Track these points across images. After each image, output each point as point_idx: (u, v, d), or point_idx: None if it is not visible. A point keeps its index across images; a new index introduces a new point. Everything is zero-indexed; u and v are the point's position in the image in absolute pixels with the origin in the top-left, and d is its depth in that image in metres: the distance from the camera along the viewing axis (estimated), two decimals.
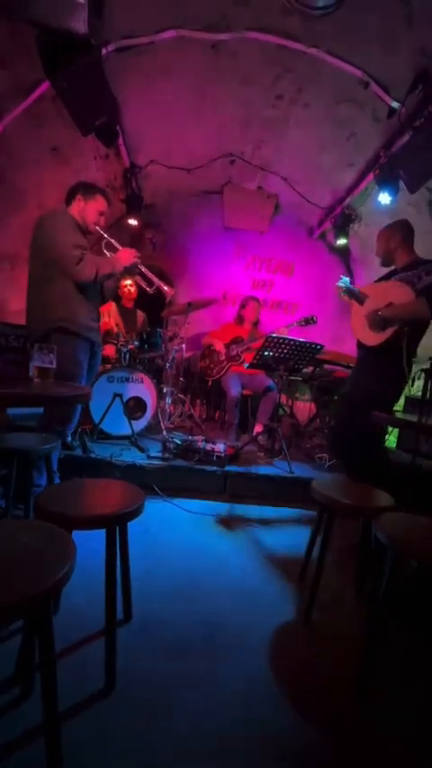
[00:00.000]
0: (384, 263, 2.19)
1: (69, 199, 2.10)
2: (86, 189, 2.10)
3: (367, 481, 1.70)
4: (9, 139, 2.47)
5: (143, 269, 2.25)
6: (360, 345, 2.18)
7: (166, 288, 2.34)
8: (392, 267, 2.17)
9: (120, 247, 2.17)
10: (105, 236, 2.17)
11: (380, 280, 2.22)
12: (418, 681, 1.26)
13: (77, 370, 2.03)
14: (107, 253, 2.19)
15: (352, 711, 1.11)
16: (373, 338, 2.04)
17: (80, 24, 1.71)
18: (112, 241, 2.20)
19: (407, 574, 1.69)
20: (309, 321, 3.19)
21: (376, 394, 2.00)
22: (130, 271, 2.16)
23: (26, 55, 2.01)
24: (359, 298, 2.16)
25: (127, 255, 2.09)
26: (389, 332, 1.97)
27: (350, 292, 2.19)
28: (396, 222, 2.14)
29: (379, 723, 1.08)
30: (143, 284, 2.39)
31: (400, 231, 2.09)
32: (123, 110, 2.77)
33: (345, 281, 2.21)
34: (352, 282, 2.22)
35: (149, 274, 2.32)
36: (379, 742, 1.03)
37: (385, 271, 2.24)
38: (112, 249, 2.20)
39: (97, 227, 2.12)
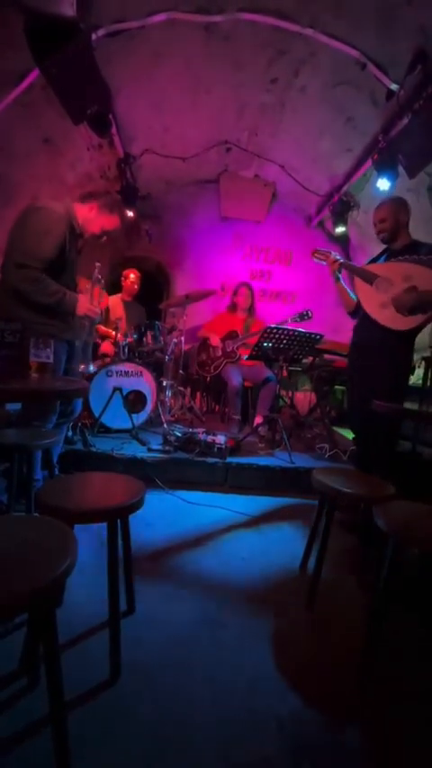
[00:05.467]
0: (388, 239, 2.07)
1: (86, 198, 1.99)
2: (109, 205, 2.02)
3: (377, 472, 1.67)
4: (0, 131, 2.42)
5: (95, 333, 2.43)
6: (370, 327, 2.01)
7: (90, 366, 2.34)
8: (385, 247, 2.12)
9: (100, 287, 2.10)
10: (97, 268, 2.06)
11: (375, 260, 2.14)
12: (420, 667, 1.28)
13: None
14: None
15: (355, 700, 1.12)
16: (403, 322, 1.90)
17: (67, 8, 1.66)
18: (98, 276, 2.08)
19: (408, 560, 1.70)
20: (303, 317, 3.13)
21: (393, 384, 1.94)
22: (84, 318, 2.03)
23: (14, 42, 1.95)
24: (364, 276, 2.04)
25: (85, 307, 1.94)
26: (419, 318, 1.86)
27: (351, 268, 2.13)
28: (399, 197, 2.08)
29: (382, 711, 1.10)
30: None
31: (407, 207, 2.03)
32: (116, 97, 2.70)
33: (335, 254, 2.17)
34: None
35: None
36: (382, 730, 1.05)
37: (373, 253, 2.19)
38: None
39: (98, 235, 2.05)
